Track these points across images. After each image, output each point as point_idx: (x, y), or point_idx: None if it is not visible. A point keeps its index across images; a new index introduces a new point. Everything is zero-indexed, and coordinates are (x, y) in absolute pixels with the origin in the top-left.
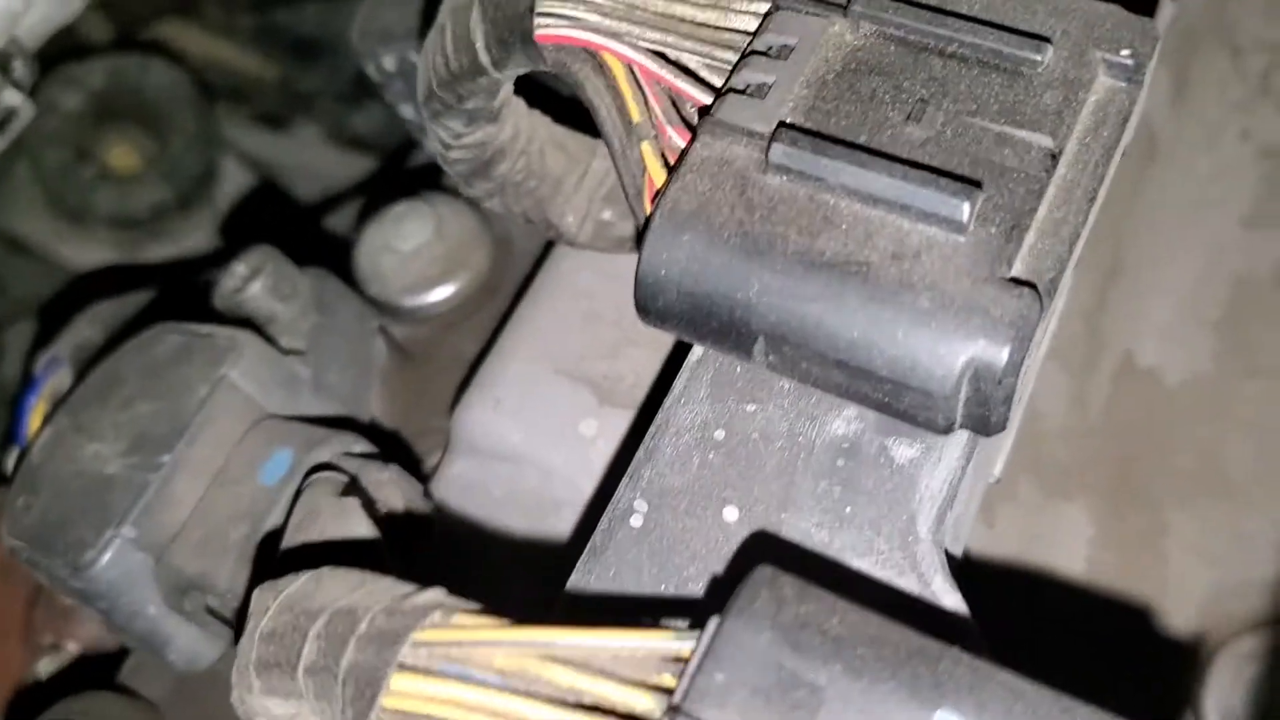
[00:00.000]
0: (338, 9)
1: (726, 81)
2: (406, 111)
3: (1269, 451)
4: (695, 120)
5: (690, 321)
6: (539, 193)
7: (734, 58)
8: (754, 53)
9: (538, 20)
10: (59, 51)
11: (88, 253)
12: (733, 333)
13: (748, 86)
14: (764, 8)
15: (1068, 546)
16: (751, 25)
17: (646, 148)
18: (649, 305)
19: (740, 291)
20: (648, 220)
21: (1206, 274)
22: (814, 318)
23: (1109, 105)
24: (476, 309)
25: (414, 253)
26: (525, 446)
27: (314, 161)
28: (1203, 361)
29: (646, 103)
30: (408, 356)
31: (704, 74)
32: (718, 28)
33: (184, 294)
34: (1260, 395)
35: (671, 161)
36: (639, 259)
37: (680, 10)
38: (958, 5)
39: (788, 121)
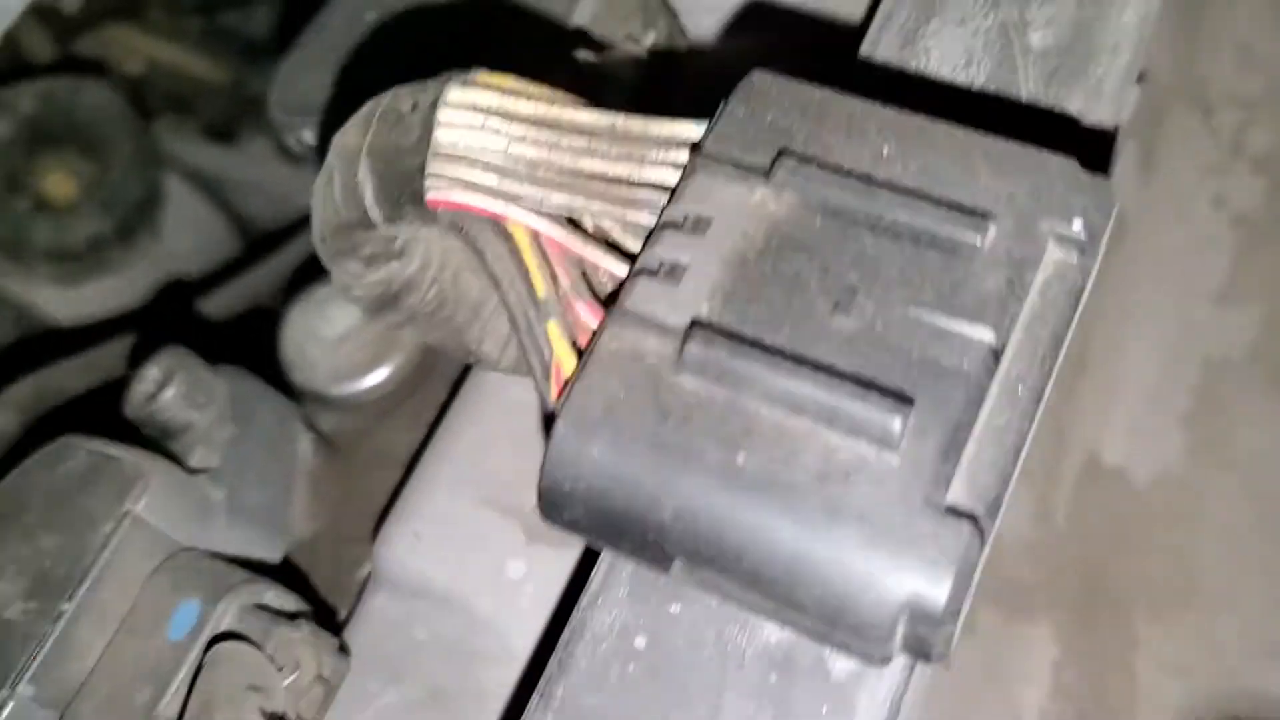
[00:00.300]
0: (288, 10)
1: (637, 259)
2: None
3: (1242, 552)
4: (608, 290)
5: (601, 535)
6: (454, 321)
7: (650, 220)
8: (668, 225)
9: (428, 181)
10: None
11: (27, 287)
12: (647, 551)
13: (661, 266)
14: (682, 156)
15: (1032, 673)
16: (670, 178)
17: (553, 327)
18: (554, 516)
19: (653, 512)
20: (552, 420)
21: (1176, 359)
22: (734, 546)
23: (1059, 284)
24: (410, 394)
25: (341, 337)
26: (449, 587)
27: (265, 177)
28: (1173, 457)
29: (553, 274)
30: (336, 450)
31: (618, 237)
32: (632, 183)
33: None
34: (1234, 491)
35: (581, 343)
36: (543, 464)
37: (589, 165)
38: (892, 169)
39: (703, 318)
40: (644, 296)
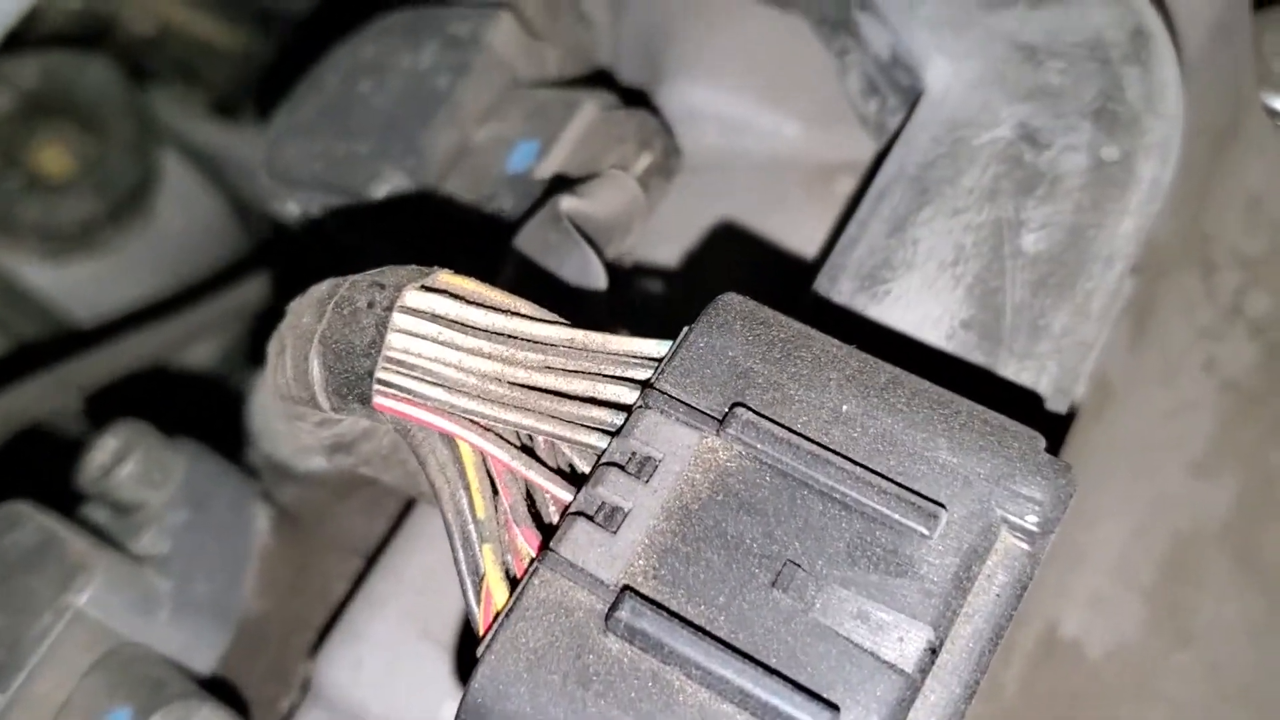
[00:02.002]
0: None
1: (575, 498)
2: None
3: None
4: (553, 514)
5: None
6: (409, 465)
7: (601, 443)
8: (612, 464)
9: (376, 388)
10: None
11: (14, 260)
12: None
13: (600, 509)
14: (640, 373)
15: None
16: (627, 396)
17: (488, 552)
18: None
19: None
20: (473, 661)
21: (1146, 530)
22: None
23: (1006, 573)
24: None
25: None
26: None
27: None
28: (1131, 630)
29: (496, 492)
30: (294, 526)
31: (568, 456)
32: (586, 399)
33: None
34: (1186, 667)
35: (516, 570)
36: (460, 706)
37: (543, 381)
38: (850, 432)
39: (636, 580)
40: (579, 543)
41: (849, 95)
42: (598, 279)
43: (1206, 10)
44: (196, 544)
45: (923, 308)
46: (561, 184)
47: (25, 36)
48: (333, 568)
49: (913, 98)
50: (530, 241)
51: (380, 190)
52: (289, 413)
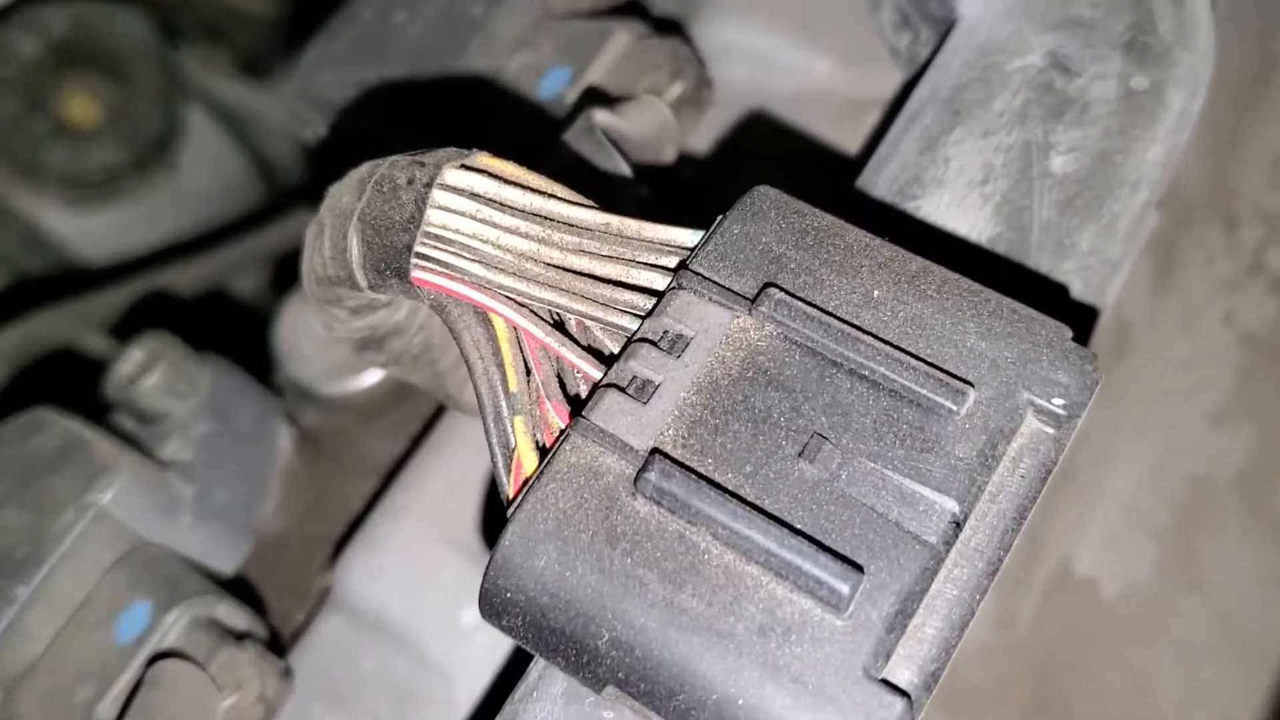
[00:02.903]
0: None
1: (607, 373)
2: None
3: (1199, 674)
4: (583, 390)
5: (537, 647)
6: (437, 366)
7: (633, 325)
8: (645, 339)
9: (415, 262)
10: None
11: (38, 207)
12: (581, 672)
13: (632, 381)
14: (673, 261)
15: None
16: (659, 282)
17: (519, 423)
18: (493, 619)
19: (590, 637)
20: (502, 520)
21: (1161, 475)
22: (666, 684)
23: (1032, 456)
24: (397, 402)
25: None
26: (403, 624)
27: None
28: (1143, 573)
29: (528, 368)
30: (317, 449)
31: (599, 338)
32: (619, 284)
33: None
34: (1196, 613)
35: (546, 442)
36: (487, 567)
37: (579, 263)
38: (881, 315)
39: (666, 446)
40: (611, 412)
41: (881, 29)
42: (631, 195)
43: None
44: (219, 454)
45: (952, 224)
46: (595, 101)
47: None
48: (354, 489)
49: (945, 29)
50: (564, 152)
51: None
52: (325, 297)
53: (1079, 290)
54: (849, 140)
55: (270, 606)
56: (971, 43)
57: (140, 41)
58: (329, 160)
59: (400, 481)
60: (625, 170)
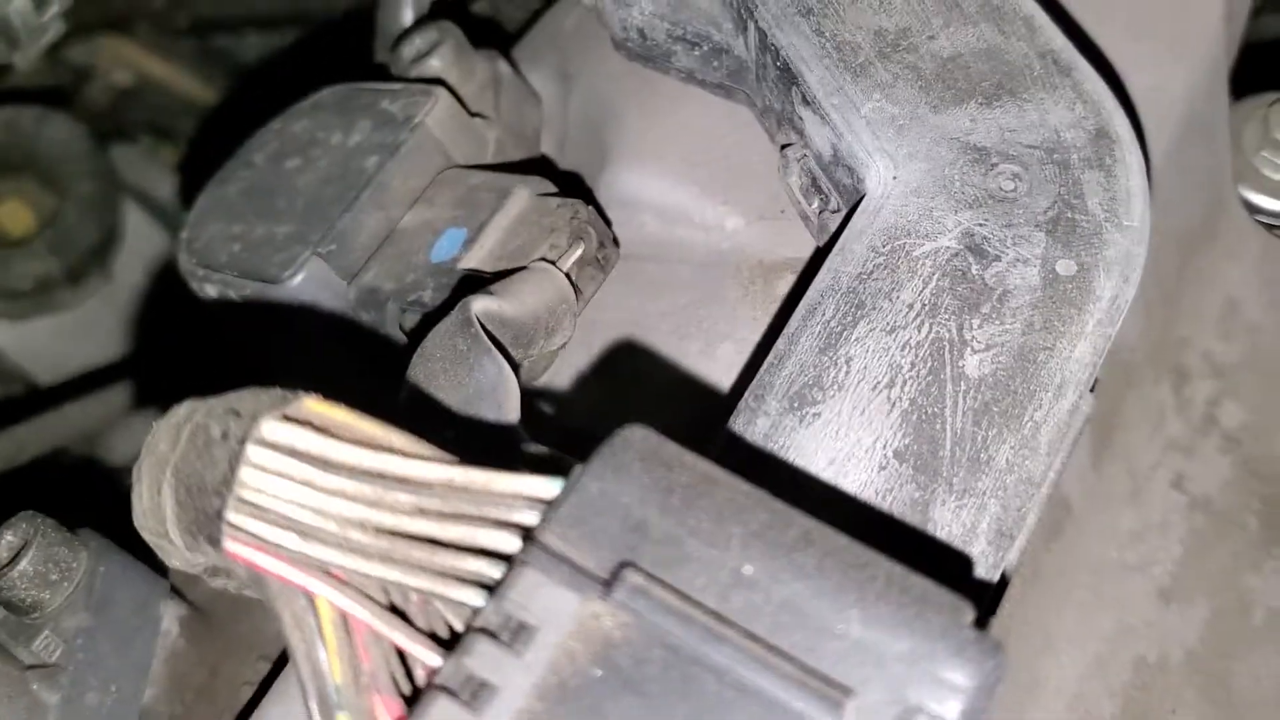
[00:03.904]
0: (281, 35)
1: (436, 672)
2: None
3: None
4: (420, 675)
5: None
6: None
7: (478, 601)
8: (484, 630)
9: (227, 531)
10: None
11: None
12: None
13: (466, 683)
14: (528, 517)
15: None
16: (509, 545)
17: None
18: None
19: None
20: None
21: (1108, 662)
22: None
23: None
24: None
25: None
26: None
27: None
28: None
29: (356, 655)
30: (208, 626)
31: (441, 613)
32: (461, 549)
33: None
34: None
35: None
36: None
37: (415, 527)
38: (752, 598)
39: None
40: None
41: (790, 192)
42: (508, 393)
43: (1180, 106)
44: (92, 652)
45: (854, 434)
46: (479, 280)
47: None
48: (245, 673)
49: (855, 199)
50: (437, 348)
51: (294, 277)
52: (153, 541)
53: (995, 512)
54: (760, 307)
55: None
56: (877, 223)
57: (73, 147)
58: None
59: (275, 690)
60: (503, 374)
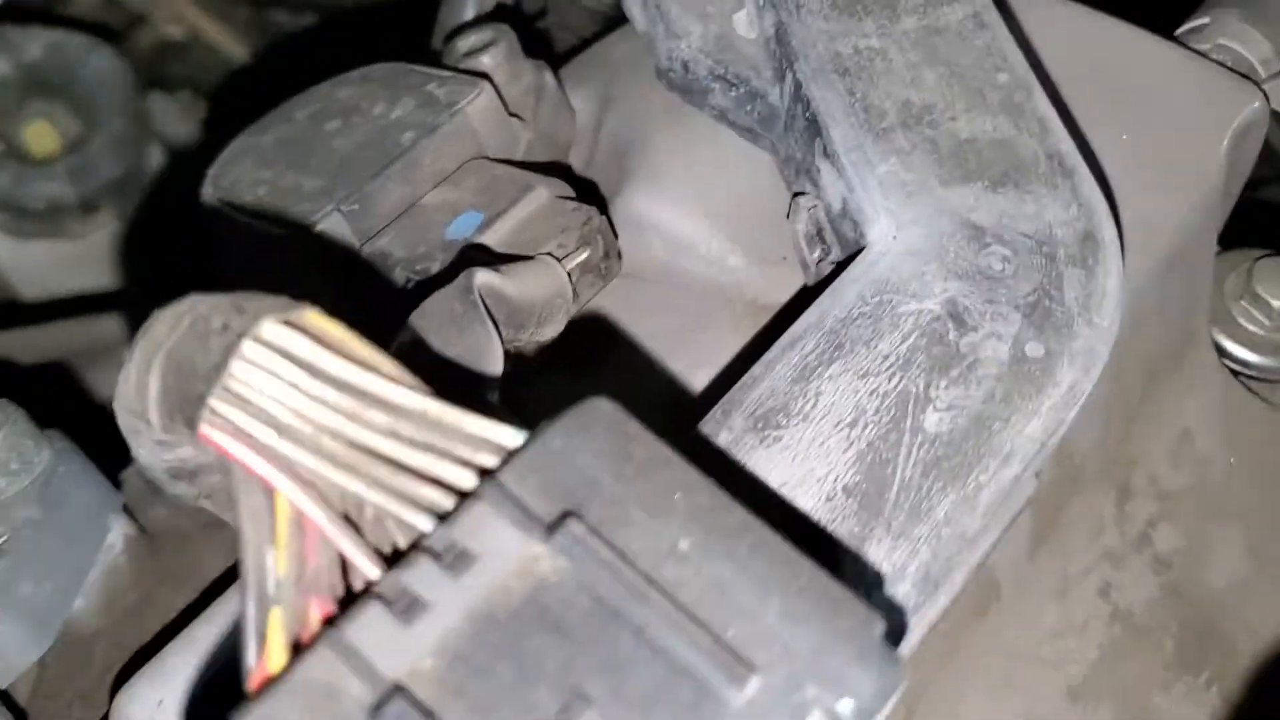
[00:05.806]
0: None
1: (375, 582)
2: None
3: None
4: (359, 589)
5: None
6: None
7: (429, 525)
8: (427, 550)
9: (205, 414)
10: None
11: None
12: None
13: (400, 597)
14: (490, 460)
15: None
16: (467, 482)
17: (276, 616)
18: None
19: None
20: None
21: None
22: None
23: None
24: None
25: None
26: None
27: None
28: None
29: (303, 554)
30: (152, 551)
31: (392, 533)
32: (424, 477)
33: None
34: None
35: (304, 638)
36: None
37: (384, 447)
38: (682, 571)
39: (415, 683)
40: (368, 629)
41: (795, 237)
42: (493, 361)
43: (1169, 236)
44: (35, 544)
45: (809, 463)
46: (486, 262)
47: (48, 14)
48: (177, 602)
49: (855, 252)
50: (435, 307)
51: (314, 227)
52: (127, 425)
53: (925, 559)
54: (744, 342)
55: (57, 715)
56: (871, 275)
57: (111, 81)
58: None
59: (209, 610)
60: (491, 342)
